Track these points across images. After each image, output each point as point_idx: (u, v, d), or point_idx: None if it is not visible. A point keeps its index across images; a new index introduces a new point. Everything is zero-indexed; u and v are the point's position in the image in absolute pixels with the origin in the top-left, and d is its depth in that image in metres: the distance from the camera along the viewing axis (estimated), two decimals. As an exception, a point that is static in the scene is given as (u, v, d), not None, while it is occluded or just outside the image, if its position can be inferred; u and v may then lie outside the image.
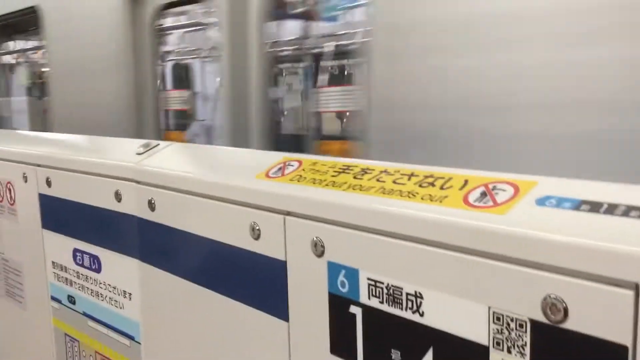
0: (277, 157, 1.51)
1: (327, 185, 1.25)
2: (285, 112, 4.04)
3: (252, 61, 2.27)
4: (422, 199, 1.05)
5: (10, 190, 2.50)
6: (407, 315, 1.06)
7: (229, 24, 2.33)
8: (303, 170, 1.36)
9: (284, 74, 4.09)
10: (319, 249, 1.22)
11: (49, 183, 2.23)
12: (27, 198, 2.39)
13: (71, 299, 2.22)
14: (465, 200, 1.00)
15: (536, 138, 1.68)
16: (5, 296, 2.68)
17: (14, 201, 2.48)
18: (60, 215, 2.22)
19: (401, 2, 1.96)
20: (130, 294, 1.91)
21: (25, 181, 2.37)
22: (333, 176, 1.27)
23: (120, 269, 1.94)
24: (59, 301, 2.29)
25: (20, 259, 2.53)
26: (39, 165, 2.28)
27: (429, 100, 1.87)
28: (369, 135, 2.03)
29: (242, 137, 2.29)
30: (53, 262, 2.29)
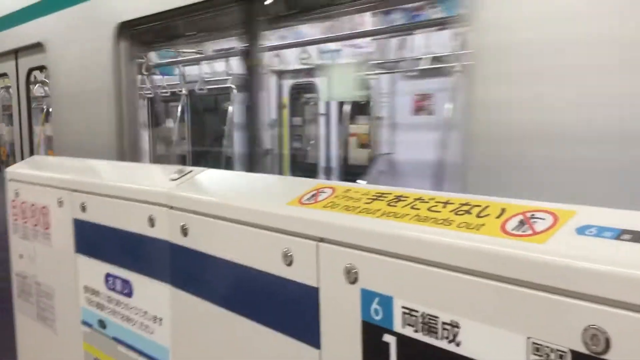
0: (310, 184, 1.52)
1: (360, 212, 1.25)
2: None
3: None
4: (458, 226, 1.05)
5: (45, 214, 2.55)
6: (443, 344, 1.04)
7: None
8: (336, 197, 1.37)
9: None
10: (352, 275, 1.21)
11: (83, 208, 2.28)
12: (61, 222, 2.44)
13: (102, 324, 2.23)
14: (503, 228, 0.99)
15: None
16: (37, 319, 2.71)
17: (49, 226, 2.53)
18: (93, 239, 2.26)
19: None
20: (160, 319, 1.92)
21: (61, 206, 2.42)
22: (367, 203, 1.27)
23: (152, 293, 1.95)
24: (89, 325, 2.31)
25: (53, 283, 2.57)
26: (74, 191, 2.33)
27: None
28: None
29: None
30: (85, 287, 2.32)
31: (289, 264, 1.39)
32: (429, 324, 1.06)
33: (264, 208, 1.49)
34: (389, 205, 1.22)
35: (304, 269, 1.35)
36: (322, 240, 1.30)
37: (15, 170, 2.85)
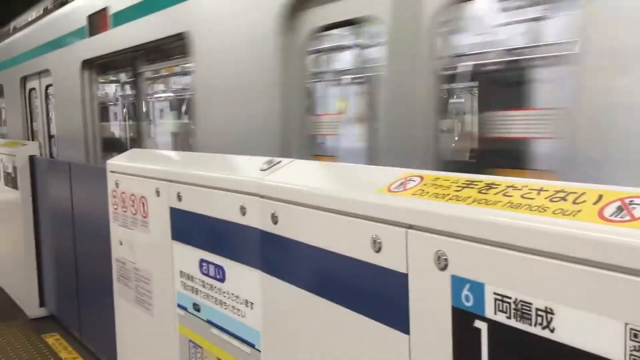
0: (397, 172, 1.54)
1: (450, 199, 1.26)
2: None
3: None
4: (553, 213, 1.04)
5: (143, 204, 2.72)
6: (537, 331, 1.04)
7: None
8: (425, 185, 1.38)
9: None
10: (442, 262, 1.23)
11: (179, 197, 2.40)
12: (158, 211, 2.58)
13: (196, 307, 2.36)
14: (601, 214, 0.98)
15: None
16: (135, 303, 2.89)
17: (147, 214, 2.69)
18: (188, 227, 2.38)
19: None
20: (252, 303, 2.01)
21: (158, 195, 2.57)
22: (456, 191, 1.28)
23: (243, 279, 2.04)
24: (184, 309, 2.45)
25: (150, 268, 2.73)
26: (171, 181, 2.47)
27: None
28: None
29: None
30: (181, 272, 2.45)
31: (378, 250, 1.42)
32: (522, 310, 1.06)
33: (353, 196, 1.53)
34: (479, 192, 1.23)
35: (393, 255, 1.38)
36: (411, 227, 1.32)
37: (116, 162, 3.04)
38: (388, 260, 1.39)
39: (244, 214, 2.00)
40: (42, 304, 5.27)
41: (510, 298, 1.09)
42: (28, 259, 5.22)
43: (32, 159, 5.15)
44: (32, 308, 5.25)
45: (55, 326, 4.98)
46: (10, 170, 5.33)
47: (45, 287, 5.23)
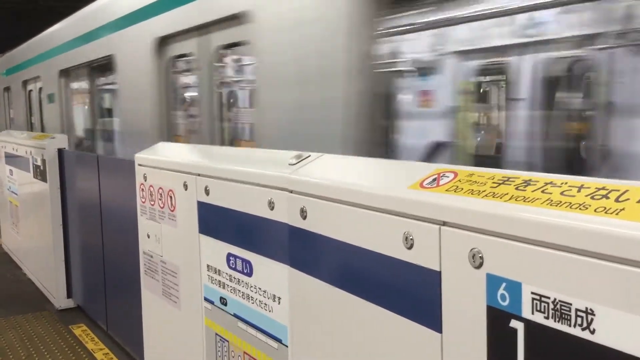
0: (429, 168, 1.52)
1: (486, 196, 1.24)
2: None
3: None
4: (595, 211, 1.01)
5: (171, 197, 2.73)
6: (576, 332, 1.02)
7: None
8: (459, 181, 1.36)
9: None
10: (477, 260, 1.21)
11: (207, 191, 2.41)
12: (186, 205, 2.60)
13: (223, 301, 2.36)
14: (646, 213, 0.95)
15: None
16: (162, 295, 2.91)
17: (174, 208, 2.71)
18: (216, 221, 2.39)
19: None
20: (279, 298, 2.00)
21: (186, 189, 2.58)
22: (493, 187, 1.26)
23: (271, 273, 2.04)
24: (211, 302, 2.46)
25: (178, 262, 2.74)
26: (199, 175, 2.47)
27: None
28: None
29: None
30: (208, 265, 2.46)
31: (410, 247, 1.41)
32: (561, 311, 1.04)
33: (385, 192, 1.51)
34: (517, 189, 1.20)
35: (425, 252, 1.36)
36: (445, 224, 1.30)
37: (143, 155, 3.06)
38: (420, 257, 1.37)
39: (272, 208, 2.00)
40: (69, 295, 5.36)
41: (548, 298, 1.06)
42: (56, 251, 5.30)
43: (60, 151, 5.22)
44: (59, 299, 5.33)
45: (82, 317, 5.06)
46: (39, 162, 5.41)
47: (72, 279, 5.31)
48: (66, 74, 6.88)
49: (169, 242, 2.81)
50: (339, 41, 2.59)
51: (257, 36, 3.16)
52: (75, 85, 7.02)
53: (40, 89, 7.98)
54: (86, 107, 6.92)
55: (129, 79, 4.81)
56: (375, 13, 2.54)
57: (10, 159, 6.56)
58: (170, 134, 4.51)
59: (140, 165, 3.05)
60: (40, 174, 5.42)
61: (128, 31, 4.73)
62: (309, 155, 2.03)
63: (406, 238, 1.41)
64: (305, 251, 1.85)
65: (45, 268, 5.63)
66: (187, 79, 4.47)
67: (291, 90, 2.94)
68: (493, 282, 1.17)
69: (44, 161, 5.27)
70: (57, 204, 5.24)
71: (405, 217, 1.42)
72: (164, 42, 4.19)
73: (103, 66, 5.64)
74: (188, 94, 4.62)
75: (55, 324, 4.92)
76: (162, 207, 2.82)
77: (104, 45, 5.23)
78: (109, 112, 6.40)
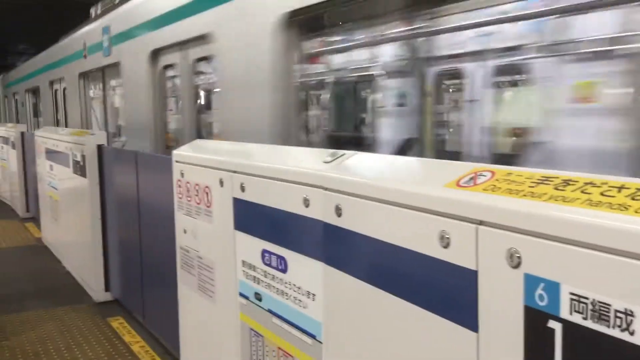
0: (466, 167, 1.52)
1: (524, 195, 1.23)
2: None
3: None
4: (635, 212, 1.00)
5: (207, 194, 2.78)
6: (615, 333, 1.01)
7: None
8: (497, 180, 1.36)
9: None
10: (514, 260, 1.20)
11: (242, 188, 2.45)
12: (222, 201, 2.64)
13: (258, 296, 2.40)
14: (690, 214, 0.94)
15: None
16: (198, 290, 2.96)
17: (211, 204, 2.75)
18: (251, 217, 2.42)
19: None
20: (314, 294, 2.02)
21: (222, 186, 2.62)
22: (531, 187, 1.25)
23: (305, 270, 2.06)
24: (246, 297, 2.49)
25: (213, 257, 2.79)
26: (234, 172, 2.51)
27: None
28: None
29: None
30: (243, 261, 2.50)
31: (446, 246, 1.41)
32: (600, 312, 1.03)
33: (420, 190, 1.52)
34: (556, 189, 1.19)
35: (461, 251, 1.36)
36: (482, 223, 1.30)
37: (181, 152, 3.12)
38: (456, 256, 1.37)
39: (307, 205, 2.02)
40: (107, 288, 5.48)
41: (587, 299, 1.05)
42: (95, 245, 5.43)
43: (99, 148, 5.34)
44: (97, 292, 5.46)
45: (119, 310, 5.17)
46: (79, 158, 5.54)
47: (110, 273, 5.43)
48: (85, 76, 8.31)
49: (205, 237, 2.86)
50: (267, 61, 3.52)
51: (218, 52, 4.23)
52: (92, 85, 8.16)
53: (65, 88, 9.49)
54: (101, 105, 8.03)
55: (131, 82, 6.08)
56: (293, 41, 3.42)
57: (51, 154, 6.74)
58: (163, 130, 5.77)
59: (177, 162, 3.10)
60: (79, 169, 5.55)
61: (131, 43, 6.01)
62: (344, 154, 2.04)
63: (442, 237, 1.41)
64: (340, 248, 1.86)
65: (84, 262, 5.77)
66: (173, 84, 5.56)
67: (240, 95, 3.90)
68: (531, 282, 1.17)
69: (83, 157, 5.40)
70: (96, 199, 5.36)
71: (442, 216, 1.42)
72: (156, 53, 5.36)
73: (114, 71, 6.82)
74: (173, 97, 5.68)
75: (93, 316, 5.05)
76: (198, 203, 2.87)
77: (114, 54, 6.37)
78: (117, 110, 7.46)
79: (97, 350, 4.28)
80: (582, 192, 1.14)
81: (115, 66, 6.40)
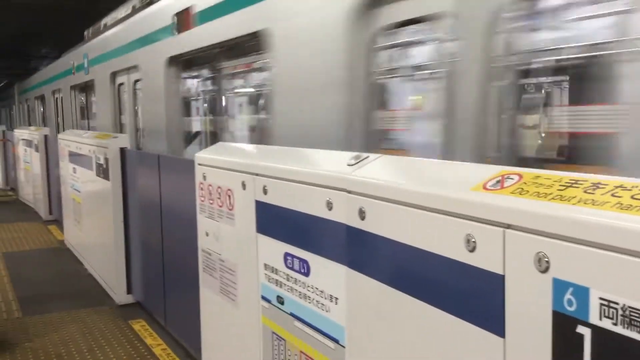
0: (493, 170, 1.51)
1: (553, 198, 1.22)
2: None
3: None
4: (669, 215, 0.99)
5: (229, 197, 2.80)
6: (647, 340, 1.00)
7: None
8: (524, 183, 1.35)
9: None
10: (543, 264, 1.20)
11: (265, 191, 2.46)
12: (244, 204, 2.66)
13: (280, 300, 2.41)
14: None
15: None
16: (220, 294, 2.98)
17: (233, 207, 2.77)
18: (274, 220, 2.43)
19: None
20: (336, 298, 2.03)
21: (244, 188, 2.64)
22: (560, 190, 1.24)
23: (328, 274, 2.06)
24: (268, 301, 2.50)
25: (236, 260, 2.81)
26: (257, 175, 2.53)
27: None
28: None
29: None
30: (265, 264, 2.51)
31: (472, 250, 1.40)
32: (630, 317, 1.02)
33: (447, 193, 1.51)
34: (585, 192, 1.18)
35: (488, 255, 1.35)
36: (509, 226, 1.29)
37: (203, 155, 3.15)
38: (483, 260, 1.37)
39: (330, 208, 2.02)
40: (129, 291, 5.54)
41: (617, 304, 1.04)
42: (117, 248, 5.50)
43: (122, 151, 5.41)
44: (120, 295, 5.53)
45: (141, 313, 5.22)
46: (102, 161, 5.63)
47: (132, 275, 5.50)
48: (74, 88, 10.08)
49: (227, 240, 2.88)
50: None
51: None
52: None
53: (62, 97, 11.27)
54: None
55: (100, 94, 7.85)
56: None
57: (74, 157, 6.85)
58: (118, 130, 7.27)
59: (200, 164, 3.13)
60: (102, 172, 5.64)
61: (99, 66, 7.74)
62: (368, 156, 2.05)
63: (468, 241, 1.41)
64: (363, 252, 1.87)
65: (106, 264, 5.84)
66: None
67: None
68: (559, 286, 1.16)
69: (106, 160, 5.47)
70: (119, 202, 5.43)
71: (468, 220, 1.41)
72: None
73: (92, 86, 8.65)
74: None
75: (115, 318, 5.11)
76: (220, 206, 2.89)
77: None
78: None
79: (119, 353, 4.33)
80: (612, 195, 1.13)
81: (92, 82, 8.44)
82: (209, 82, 5.38)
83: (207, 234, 3.09)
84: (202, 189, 3.12)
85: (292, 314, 2.32)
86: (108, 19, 8.42)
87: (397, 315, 1.71)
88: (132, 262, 5.48)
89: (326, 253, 2.08)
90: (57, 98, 11.91)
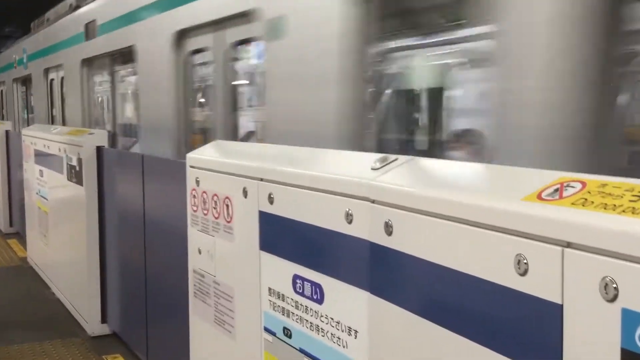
0: (550, 176, 1.51)
1: (624, 212, 1.21)
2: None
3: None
4: None
5: (228, 206, 2.81)
6: None
7: None
8: (589, 193, 1.34)
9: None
10: (610, 291, 1.19)
11: (271, 199, 2.47)
12: (246, 215, 2.67)
13: (287, 332, 2.41)
14: None
15: None
16: (214, 324, 2.99)
17: (232, 218, 2.78)
18: (281, 235, 2.44)
19: None
20: (356, 331, 2.02)
21: (246, 196, 2.65)
22: (632, 202, 1.23)
23: (346, 301, 2.06)
24: (273, 333, 2.51)
25: (233, 283, 2.82)
26: (261, 180, 2.54)
27: None
28: None
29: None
30: (269, 289, 2.52)
31: (523, 273, 1.40)
32: None
33: (492, 204, 1.51)
34: (664, 204, 1.18)
35: (543, 280, 1.35)
36: (569, 245, 1.28)
37: (197, 156, 3.17)
38: (536, 286, 1.36)
39: (350, 221, 2.02)
40: (104, 320, 5.58)
41: (703, 342, 1.03)
42: (91, 267, 5.53)
43: (99, 150, 5.45)
44: (93, 324, 5.56)
45: (118, 346, 5.25)
46: (74, 162, 5.68)
47: (108, 301, 5.53)
48: (16, 81, 12.62)
49: (223, 259, 2.89)
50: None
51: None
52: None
53: (5, 90, 13.88)
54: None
55: (36, 89, 10.50)
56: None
57: (41, 157, 6.92)
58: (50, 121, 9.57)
59: (192, 167, 3.15)
60: (75, 175, 5.69)
61: (34, 62, 10.32)
62: (396, 159, 2.05)
63: (518, 262, 1.40)
64: (390, 274, 1.86)
65: (77, 287, 5.88)
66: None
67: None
68: (630, 318, 1.15)
69: (80, 161, 5.52)
70: (94, 211, 5.47)
71: (518, 236, 1.41)
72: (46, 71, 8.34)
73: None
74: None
75: (87, 353, 5.14)
76: (216, 218, 2.91)
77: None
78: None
79: (91, 394, 4.36)
80: (698, 208, 1.12)
81: (30, 77, 10.86)
82: (107, 83, 7.40)
83: (199, 252, 3.10)
84: (194, 196, 3.13)
85: (301, 350, 2.32)
86: (51, 13, 10.37)
87: (429, 351, 1.70)
88: (108, 284, 5.51)
89: (344, 276, 2.08)
90: (0, 90, 14.21)
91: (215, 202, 2.91)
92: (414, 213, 1.75)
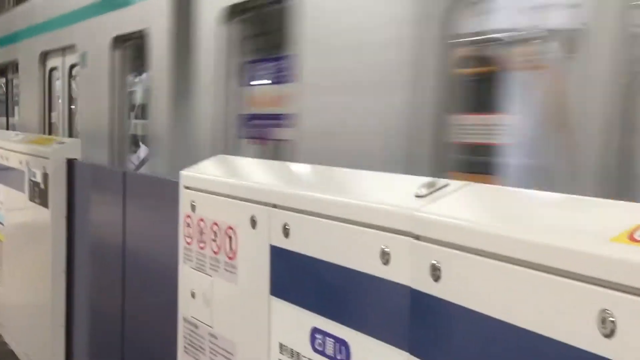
0: (643, 210, 1.50)
1: None
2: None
3: None
4: None
5: (231, 238, 2.81)
6: None
7: None
8: (697, 233, 1.33)
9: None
10: None
11: (286, 231, 2.47)
12: (253, 251, 2.67)
13: (302, 401, 2.40)
14: None
15: None
16: (209, 387, 2.99)
17: (235, 254, 2.78)
18: (298, 277, 2.44)
19: None
20: (391, 403, 2.02)
21: (254, 227, 2.65)
22: None
23: (379, 363, 2.05)
24: (284, 402, 2.50)
25: (235, 337, 2.81)
26: (274, 206, 2.54)
27: None
28: None
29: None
30: (281, 345, 2.51)
31: (609, 334, 1.38)
32: None
33: (570, 245, 1.50)
34: None
35: (635, 342, 1.33)
36: (669, 300, 1.27)
37: (193, 174, 3.18)
38: (626, 349, 1.34)
39: (386, 262, 2.02)
40: (69, 377, 5.58)
41: None
42: (55, 310, 5.54)
43: (70, 163, 5.47)
44: (55, 383, 5.56)
45: (85, 412, 5.25)
46: (38, 178, 5.70)
47: (75, 353, 5.52)
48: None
49: (223, 305, 2.89)
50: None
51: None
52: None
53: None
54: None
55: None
56: None
57: (-3, 171, 6.97)
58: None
59: (187, 188, 3.16)
60: (39, 195, 5.71)
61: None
62: (447, 184, 2.04)
63: (603, 320, 1.39)
64: (436, 331, 1.86)
65: (36, 337, 5.88)
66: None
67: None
68: None
69: (45, 176, 5.54)
70: (61, 241, 5.48)
71: (604, 287, 1.39)
72: None
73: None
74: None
75: (46, 419, 5.13)
76: (216, 253, 2.91)
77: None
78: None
79: None
80: None
81: None
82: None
83: (192, 295, 3.10)
84: (189, 225, 3.14)
85: None
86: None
87: None
88: (75, 332, 5.51)
89: (377, 331, 2.07)
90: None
91: (215, 232, 2.92)
92: (469, 253, 1.75)
